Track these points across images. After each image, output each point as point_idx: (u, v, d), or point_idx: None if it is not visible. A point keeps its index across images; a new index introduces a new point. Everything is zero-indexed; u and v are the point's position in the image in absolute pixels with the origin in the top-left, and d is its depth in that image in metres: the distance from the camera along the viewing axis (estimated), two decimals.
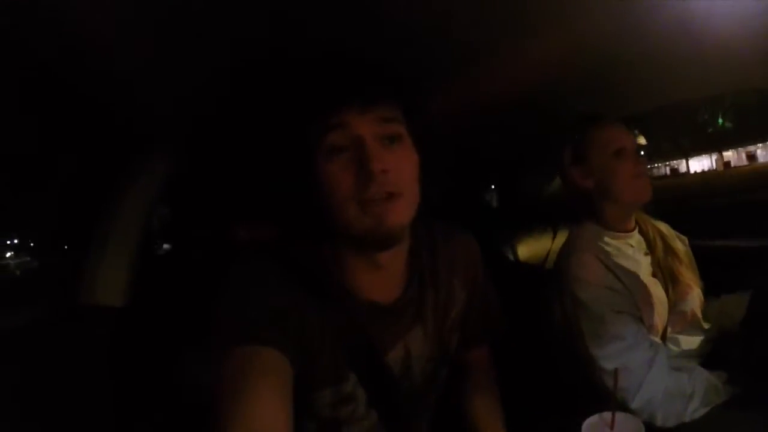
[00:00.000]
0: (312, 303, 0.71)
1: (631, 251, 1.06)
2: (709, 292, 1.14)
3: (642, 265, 1.06)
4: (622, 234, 1.08)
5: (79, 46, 0.67)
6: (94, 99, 0.89)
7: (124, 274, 1.14)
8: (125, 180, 1.13)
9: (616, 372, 0.78)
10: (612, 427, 0.74)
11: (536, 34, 0.82)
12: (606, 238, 1.05)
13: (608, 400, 0.76)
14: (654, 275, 1.07)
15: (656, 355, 0.93)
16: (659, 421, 0.89)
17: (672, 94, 1.30)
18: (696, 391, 0.90)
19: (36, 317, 1.15)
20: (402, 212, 0.68)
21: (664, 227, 1.17)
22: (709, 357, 1.04)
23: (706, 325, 1.10)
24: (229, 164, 1.32)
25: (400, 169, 0.69)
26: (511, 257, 1.59)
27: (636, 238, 1.10)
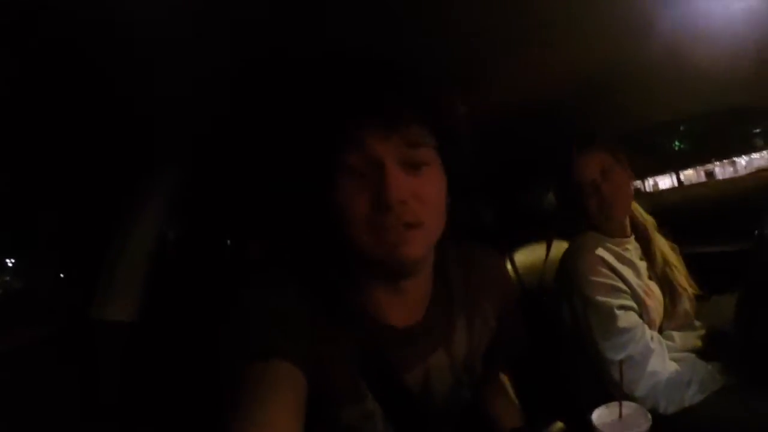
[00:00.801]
0: (325, 317, 0.68)
1: (629, 255, 1.13)
2: (700, 295, 1.22)
3: (640, 268, 1.13)
4: (621, 240, 1.15)
5: (90, 39, 0.64)
6: (106, 107, 0.87)
7: (137, 289, 1.13)
8: (140, 192, 1.12)
9: (620, 363, 0.83)
10: (620, 416, 0.77)
11: (540, 47, 0.85)
12: (607, 244, 1.12)
13: (615, 393, 0.79)
14: (650, 278, 1.14)
15: (657, 346, 1.00)
16: (662, 409, 0.94)
17: (668, 111, 1.38)
18: (693, 378, 0.97)
19: (45, 333, 1.13)
20: (419, 244, 0.62)
21: (659, 238, 1.24)
22: (703, 351, 1.10)
23: (697, 324, 1.17)
24: (245, 177, 1.32)
25: (423, 198, 0.62)
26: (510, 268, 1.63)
27: (633, 243, 1.17)
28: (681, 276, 1.19)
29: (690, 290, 1.18)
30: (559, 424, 0.82)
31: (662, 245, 1.22)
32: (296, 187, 0.72)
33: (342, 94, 0.63)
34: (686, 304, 1.16)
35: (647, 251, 1.19)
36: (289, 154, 0.75)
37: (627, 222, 1.18)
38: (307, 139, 0.66)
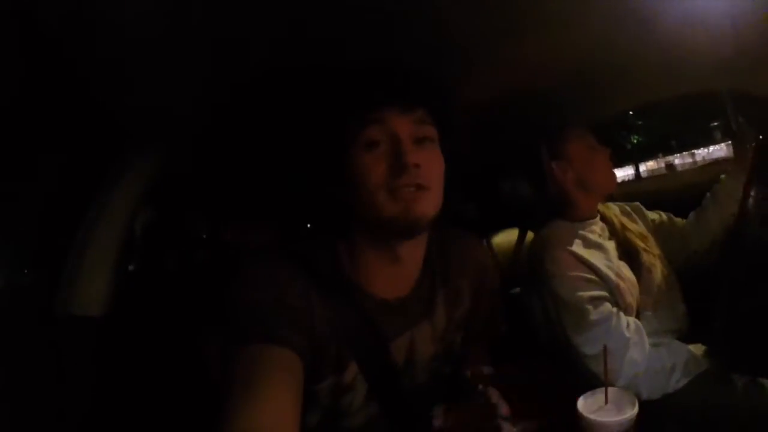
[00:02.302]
0: (321, 299, 0.71)
1: (596, 237, 1.09)
2: None
3: (609, 249, 1.08)
4: (588, 222, 1.11)
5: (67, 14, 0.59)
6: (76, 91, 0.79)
7: (105, 282, 1.04)
8: (109, 181, 1.03)
9: (605, 349, 0.79)
10: (605, 402, 0.74)
11: (520, 39, 0.82)
12: (574, 231, 1.08)
13: (596, 384, 0.76)
14: (621, 258, 1.09)
15: (634, 334, 0.95)
16: (644, 396, 0.90)
17: (645, 96, 1.35)
18: (677, 363, 0.93)
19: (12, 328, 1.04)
20: (428, 204, 0.69)
21: (615, 207, 1.22)
22: (684, 332, 1.07)
23: (676, 302, 1.13)
24: (246, 161, 1.25)
25: (430, 166, 0.70)
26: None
27: (599, 224, 1.13)
28: (641, 241, 1.14)
29: (660, 260, 1.14)
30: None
31: (617, 214, 1.19)
32: (315, 164, 0.79)
33: (370, 80, 0.73)
34: (658, 278, 1.11)
35: (607, 220, 1.15)
36: (313, 134, 0.81)
37: (598, 203, 1.16)
38: (334, 119, 0.74)
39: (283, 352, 0.62)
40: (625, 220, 1.18)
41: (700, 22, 0.85)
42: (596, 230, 1.11)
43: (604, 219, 1.16)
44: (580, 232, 1.08)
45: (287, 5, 0.61)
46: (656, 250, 1.14)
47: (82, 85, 0.78)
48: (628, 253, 1.11)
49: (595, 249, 1.05)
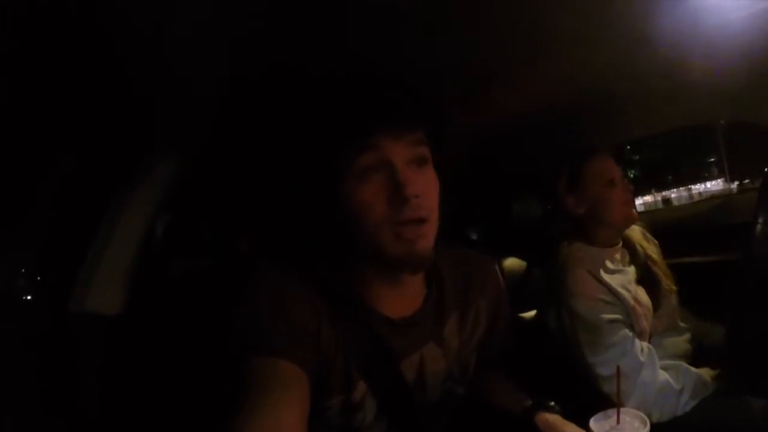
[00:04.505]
0: (329, 316, 0.68)
1: (617, 265, 1.09)
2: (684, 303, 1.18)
3: (628, 274, 1.09)
4: (610, 249, 1.11)
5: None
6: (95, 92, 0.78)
7: (121, 282, 1.04)
8: (131, 183, 1.03)
9: (618, 370, 0.78)
10: (617, 422, 0.74)
11: (531, 66, 0.83)
12: (595, 255, 1.07)
13: (609, 403, 0.76)
14: (638, 282, 1.10)
15: (647, 358, 0.95)
16: (655, 418, 0.90)
17: (655, 126, 1.37)
18: (685, 386, 0.93)
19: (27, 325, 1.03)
20: (430, 236, 0.66)
21: (639, 232, 1.21)
22: (694, 355, 1.07)
23: (683, 325, 1.14)
24: (251, 175, 1.24)
25: (428, 193, 0.66)
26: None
27: (621, 251, 1.13)
28: (662, 271, 1.14)
29: (673, 289, 1.14)
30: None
31: (641, 240, 1.19)
32: (311, 190, 0.73)
33: (358, 104, 0.67)
34: (671, 300, 1.12)
35: (630, 247, 1.15)
36: (303, 159, 0.76)
37: (620, 234, 1.15)
38: (325, 146, 0.68)
39: (290, 367, 0.60)
40: (647, 246, 1.18)
41: (709, 52, 0.86)
42: (617, 257, 1.11)
43: (627, 244, 1.16)
44: (601, 256, 1.08)
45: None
46: (671, 281, 1.15)
47: (102, 88, 0.77)
48: (648, 279, 1.11)
49: (614, 274, 1.06)
